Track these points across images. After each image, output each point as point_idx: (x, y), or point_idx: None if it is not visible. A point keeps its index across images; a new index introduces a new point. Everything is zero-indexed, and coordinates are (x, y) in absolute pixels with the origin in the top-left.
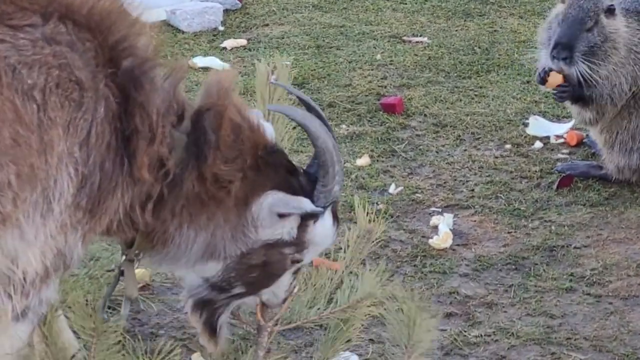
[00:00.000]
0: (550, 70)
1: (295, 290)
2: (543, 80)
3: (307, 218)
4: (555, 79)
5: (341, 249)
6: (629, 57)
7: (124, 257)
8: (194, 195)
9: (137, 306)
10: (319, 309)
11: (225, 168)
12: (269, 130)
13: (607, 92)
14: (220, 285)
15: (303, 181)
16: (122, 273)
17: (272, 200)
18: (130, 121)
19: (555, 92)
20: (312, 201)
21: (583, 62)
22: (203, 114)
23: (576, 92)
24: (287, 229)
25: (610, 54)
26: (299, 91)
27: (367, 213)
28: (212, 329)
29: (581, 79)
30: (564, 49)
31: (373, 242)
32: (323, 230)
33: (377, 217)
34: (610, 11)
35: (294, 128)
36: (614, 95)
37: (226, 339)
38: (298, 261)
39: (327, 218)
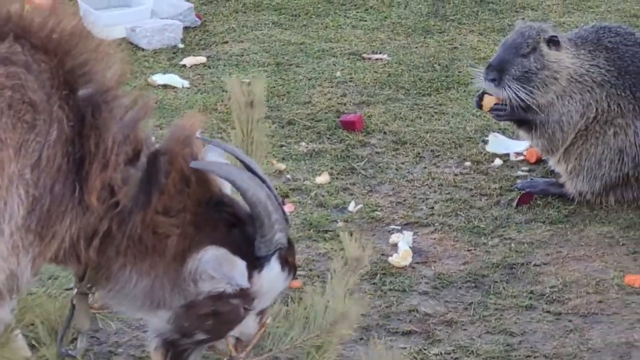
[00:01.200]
0: (484, 92)
1: (268, 321)
2: (479, 104)
3: (250, 268)
4: (489, 101)
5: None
6: (572, 86)
7: (75, 290)
8: (138, 239)
9: (95, 325)
10: (292, 337)
11: (163, 219)
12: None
13: (555, 119)
14: (181, 331)
15: (249, 231)
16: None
17: (207, 259)
18: (84, 144)
19: (492, 111)
20: (254, 251)
21: (512, 86)
22: (158, 158)
23: (516, 115)
24: (243, 282)
25: (548, 82)
26: (223, 143)
27: (356, 240)
28: None
29: (513, 102)
30: (493, 70)
31: (361, 270)
32: (270, 278)
33: (366, 246)
34: (553, 42)
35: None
36: (562, 124)
37: None
38: (250, 310)
39: (273, 266)
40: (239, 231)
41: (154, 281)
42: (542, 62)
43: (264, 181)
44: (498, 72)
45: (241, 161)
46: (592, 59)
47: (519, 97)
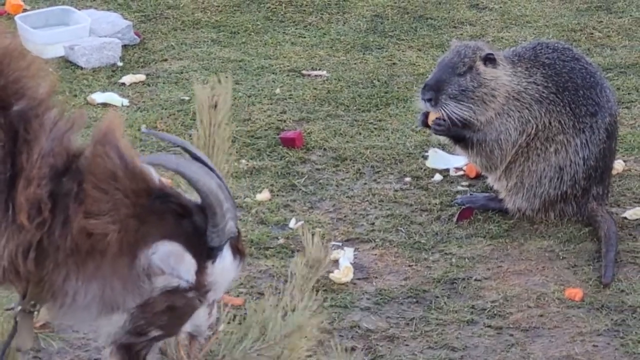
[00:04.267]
0: (428, 112)
1: (221, 328)
2: (424, 122)
3: (203, 260)
4: (432, 117)
5: (286, 281)
6: (510, 104)
7: (19, 308)
8: (75, 247)
9: (37, 344)
10: (245, 346)
11: (94, 222)
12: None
13: (493, 138)
14: (136, 331)
15: (198, 221)
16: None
17: (162, 255)
18: (16, 161)
19: (432, 125)
20: (207, 241)
21: (449, 105)
22: (77, 163)
23: (454, 131)
24: (189, 277)
25: (486, 100)
26: (171, 136)
27: (314, 241)
28: None
29: (451, 121)
30: (429, 90)
31: (322, 271)
32: (223, 268)
33: (325, 246)
34: (489, 60)
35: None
36: (500, 142)
37: None
38: (204, 301)
39: (226, 255)
40: (189, 222)
41: (104, 284)
42: (478, 81)
43: (213, 170)
44: (434, 91)
45: (188, 152)
46: (529, 76)
47: (457, 115)
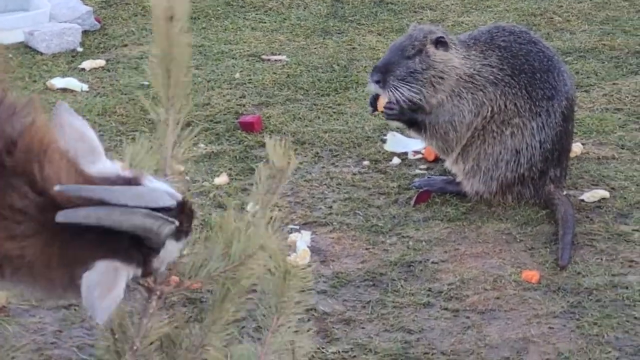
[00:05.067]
0: (378, 94)
1: (186, 251)
2: (373, 105)
3: (146, 257)
4: (382, 102)
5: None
6: (461, 86)
7: None
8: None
9: None
10: (208, 269)
11: (14, 244)
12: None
13: (447, 120)
14: None
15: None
16: None
17: (96, 277)
18: None
19: (384, 110)
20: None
21: (397, 87)
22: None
23: (406, 115)
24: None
25: (434, 82)
26: (89, 188)
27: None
28: None
29: (401, 103)
30: (377, 72)
31: (286, 181)
32: (168, 253)
33: (291, 154)
34: (439, 42)
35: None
36: (454, 124)
37: None
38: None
39: (168, 245)
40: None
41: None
42: (428, 63)
43: (126, 205)
44: (382, 73)
45: (97, 199)
46: (483, 59)
47: (404, 97)
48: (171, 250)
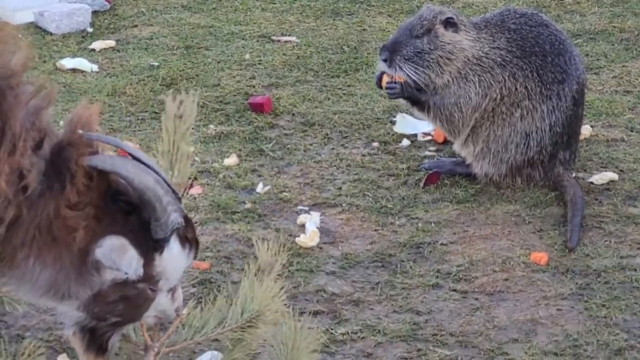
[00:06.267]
0: (383, 72)
1: (185, 311)
2: (378, 82)
3: (150, 252)
4: (386, 80)
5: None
6: (468, 68)
7: None
8: (46, 229)
9: (2, 308)
10: (207, 330)
11: (72, 213)
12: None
13: (452, 101)
14: (95, 317)
15: (146, 216)
16: None
17: (106, 250)
18: None
19: (386, 89)
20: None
21: (403, 66)
22: (64, 149)
23: (408, 93)
24: (130, 270)
25: (441, 63)
26: (109, 138)
27: (268, 248)
28: (98, 349)
29: (404, 83)
30: (385, 50)
31: (275, 276)
32: (171, 258)
33: (280, 251)
34: (449, 23)
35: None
36: (460, 105)
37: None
38: (157, 290)
39: (173, 246)
40: (136, 217)
41: (58, 274)
42: (435, 44)
43: (150, 167)
44: (390, 52)
45: (123, 150)
46: (492, 41)
47: (410, 77)
48: (175, 257)
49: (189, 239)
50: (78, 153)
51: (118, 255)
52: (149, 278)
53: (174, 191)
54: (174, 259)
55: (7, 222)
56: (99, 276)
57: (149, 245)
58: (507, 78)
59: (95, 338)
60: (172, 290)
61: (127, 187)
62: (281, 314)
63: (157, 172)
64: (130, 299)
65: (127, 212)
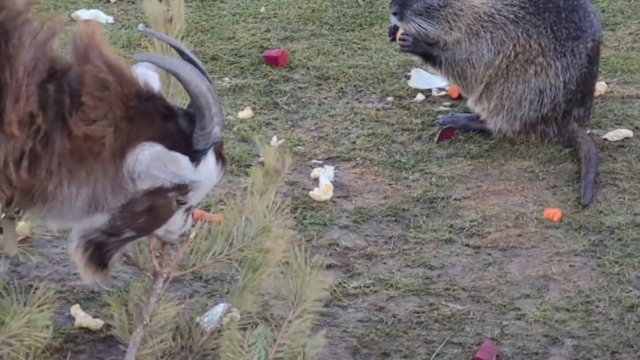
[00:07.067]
0: (396, 26)
1: (192, 236)
2: (391, 35)
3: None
4: (399, 33)
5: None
6: (479, 25)
7: (3, 215)
8: (69, 152)
9: (16, 259)
10: (214, 252)
11: (93, 127)
12: (145, 77)
13: (464, 58)
14: (110, 231)
15: (183, 124)
16: (1, 230)
17: (149, 157)
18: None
19: (398, 39)
20: (192, 144)
21: (413, 20)
22: (67, 72)
23: (420, 47)
24: (178, 176)
25: (450, 19)
26: (168, 37)
27: (274, 152)
28: (99, 264)
29: (415, 36)
30: (395, 4)
31: (280, 182)
32: (206, 171)
33: (284, 157)
34: None
35: None
36: (472, 61)
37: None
38: (184, 202)
39: (209, 159)
40: (174, 124)
41: (95, 187)
42: (445, 0)
43: (204, 74)
44: (400, 6)
45: (183, 54)
46: None
47: (421, 30)
48: (209, 171)
49: (222, 156)
50: (84, 71)
51: (174, 166)
52: (182, 187)
53: (220, 105)
54: (208, 172)
55: (27, 155)
56: (134, 185)
57: (187, 154)
58: (520, 35)
59: (98, 254)
60: (188, 212)
61: (161, 93)
62: (286, 229)
63: (210, 81)
64: (155, 209)
65: (165, 117)
